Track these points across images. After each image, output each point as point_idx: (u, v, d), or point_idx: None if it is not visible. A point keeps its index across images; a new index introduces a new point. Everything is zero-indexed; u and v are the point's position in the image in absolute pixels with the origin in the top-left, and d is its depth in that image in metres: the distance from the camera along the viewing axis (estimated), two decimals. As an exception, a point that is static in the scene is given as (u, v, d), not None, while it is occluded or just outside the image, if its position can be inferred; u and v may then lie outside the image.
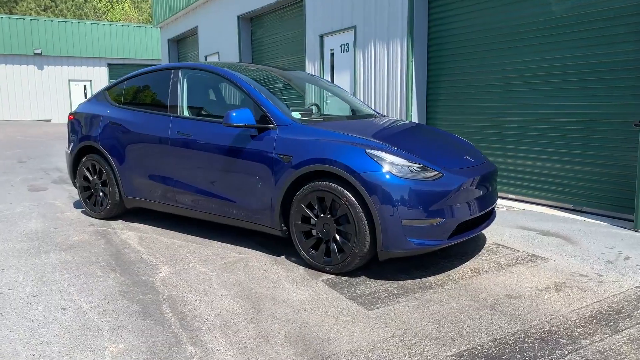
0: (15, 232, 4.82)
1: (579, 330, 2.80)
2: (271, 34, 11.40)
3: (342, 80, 8.63)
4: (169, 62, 17.93)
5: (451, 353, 2.55)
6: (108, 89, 5.45)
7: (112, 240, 4.55)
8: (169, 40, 17.87)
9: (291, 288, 3.42)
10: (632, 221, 4.86)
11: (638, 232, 4.65)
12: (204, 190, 4.37)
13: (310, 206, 3.73)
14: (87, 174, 5.32)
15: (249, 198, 4.08)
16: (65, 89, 28.65)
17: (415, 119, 7.25)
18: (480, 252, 4.15)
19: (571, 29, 5.39)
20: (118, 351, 2.59)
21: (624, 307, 3.09)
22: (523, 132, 5.99)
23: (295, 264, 3.90)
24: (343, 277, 3.61)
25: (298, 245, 3.83)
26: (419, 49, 7.15)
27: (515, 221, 5.12)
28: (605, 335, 2.73)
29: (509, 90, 6.12)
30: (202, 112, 4.61)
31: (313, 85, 6.37)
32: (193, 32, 15.72)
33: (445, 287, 3.44)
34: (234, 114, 3.95)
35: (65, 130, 20.35)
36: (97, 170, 5.21)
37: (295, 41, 10.39)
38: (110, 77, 29.28)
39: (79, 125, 5.42)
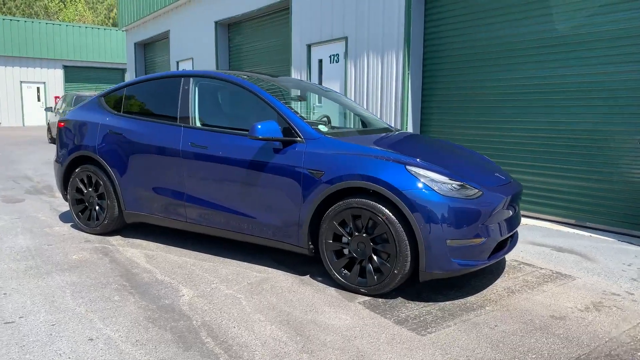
0: (4, 250, 4.41)
1: (639, 353, 2.77)
2: (252, 41, 11.18)
3: (331, 91, 8.51)
4: (135, 66, 17.32)
5: (526, 382, 2.46)
6: (104, 95, 5.11)
7: (117, 259, 4.22)
8: (135, 43, 17.26)
9: (331, 312, 3.25)
10: (639, 237, 4.97)
11: (646, 248, 4.75)
12: (219, 205, 4.13)
13: (342, 224, 3.57)
14: (81, 186, 4.96)
15: (272, 214, 3.88)
16: (16, 91, 27.17)
17: (410, 131, 7.22)
18: (505, 270, 4.11)
19: (576, 47, 5.50)
20: (171, 389, 2.34)
21: (670, 327, 3.10)
22: (520, 147, 6.05)
23: (324, 285, 3.72)
24: (380, 300, 3.46)
25: (329, 265, 3.66)
26: (414, 61, 7.14)
27: (525, 237, 5.13)
28: (667, 359, 2.71)
29: (507, 106, 6.18)
30: (217, 123, 4.36)
31: (322, 97, 6.17)
32: (163, 36, 15.25)
33: (487, 308, 3.36)
34: (260, 127, 3.75)
35: (23, 134, 19.29)
36: (94, 182, 4.85)
37: (279, 49, 10.22)
38: (66, 80, 28.04)
39: (72, 133, 5.05)
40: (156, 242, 4.74)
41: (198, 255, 4.36)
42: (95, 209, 4.89)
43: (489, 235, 3.44)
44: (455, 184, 3.42)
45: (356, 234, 3.52)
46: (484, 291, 3.65)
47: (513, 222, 3.78)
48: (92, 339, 2.81)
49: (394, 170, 3.41)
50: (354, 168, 3.51)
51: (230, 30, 11.99)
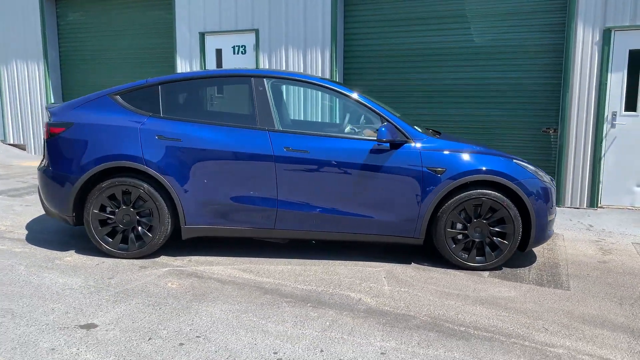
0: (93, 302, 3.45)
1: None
2: (99, 22, 9.75)
3: (237, 83, 8.37)
4: None
5: (671, 304, 3.62)
6: (120, 93, 4.28)
7: (228, 280, 3.81)
8: None
9: (492, 288, 3.85)
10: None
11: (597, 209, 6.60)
12: (327, 209, 4.14)
13: (461, 213, 4.15)
14: (110, 204, 4.11)
15: (389, 212, 4.15)
16: None
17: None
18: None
19: (486, 56, 7.04)
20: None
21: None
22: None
23: (438, 267, 4.22)
24: (500, 271, 4.20)
25: (449, 251, 4.18)
26: (339, 60, 7.73)
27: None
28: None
29: (431, 101, 7.42)
30: (301, 126, 4.27)
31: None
32: None
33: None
34: (384, 129, 4.00)
35: None
36: (132, 197, 4.09)
37: (147, 33, 9.28)
38: None
39: (87, 140, 4.10)
40: (217, 255, 4.34)
41: (296, 262, 4.25)
42: (136, 229, 4.14)
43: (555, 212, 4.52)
44: (540, 172, 4.37)
45: (474, 220, 4.15)
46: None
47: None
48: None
49: (508, 164, 4.17)
50: (474, 164, 4.11)
51: (58, 5, 10.13)
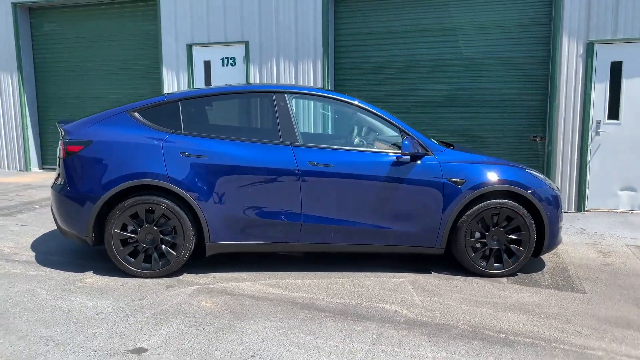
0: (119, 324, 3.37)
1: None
2: (76, 32, 9.49)
3: (226, 95, 8.33)
4: None
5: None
6: (138, 109, 4.22)
7: (259, 296, 3.80)
8: None
9: (514, 293, 4.00)
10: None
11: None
12: (349, 221, 4.21)
13: (479, 222, 4.30)
14: (132, 223, 4.03)
15: (409, 223, 4.25)
16: None
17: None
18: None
19: (475, 67, 7.30)
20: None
21: None
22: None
23: (458, 276, 4.35)
24: (516, 277, 4.37)
25: (469, 259, 4.31)
26: (331, 71, 7.83)
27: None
28: None
29: (423, 111, 7.61)
30: (321, 140, 4.33)
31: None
32: None
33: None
34: (407, 143, 4.12)
35: None
36: (155, 215, 4.03)
37: (130, 44, 9.11)
38: None
39: (107, 158, 4.02)
40: (240, 271, 4.32)
41: (320, 275, 4.28)
42: (159, 247, 4.08)
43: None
44: (548, 180, 4.57)
45: (492, 229, 4.31)
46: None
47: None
48: (441, 363, 2.89)
49: (522, 174, 4.35)
50: (492, 175, 4.27)
51: (32, 15, 9.81)
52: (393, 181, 4.19)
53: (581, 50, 6.63)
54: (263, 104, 4.32)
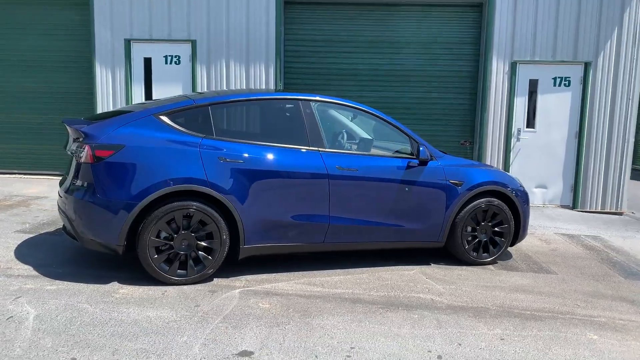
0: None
1: (606, 255, 5.68)
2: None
3: (170, 93, 8.06)
4: None
5: (627, 277, 4.92)
6: (166, 113, 4.12)
7: (355, 299, 3.99)
8: None
9: (507, 277, 4.72)
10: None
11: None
12: (371, 221, 4.59)
13: (473, 218, 4.97)
14: (168, 229, 3.95)
15: (418, 220, 4.76)
16: None
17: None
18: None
19: (414, 79, 8.09)
20: None
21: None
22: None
23: (455, 265, 4.98)
24: (502, 263, 5.12)
25: (465, 251, 4.95)
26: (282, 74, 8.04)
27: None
28: (615, 254, 5.72)
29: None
30: (344, 146, 4.65)
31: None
32: None
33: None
34: (423, 150, 4.65)
35: None
36: (193, 221, 4.00)
37: (50, 34, 8.30)
38: None
39: (142, 163, 3.88)
40: (266, 273, 4.44)
41: (341, 272, 4.56)
42: (195, 254, 4.04)
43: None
44: (518, 179, 5.41)
45: (482, 223, 5.00)
46: (506, 246, 5.82)
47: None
48: None
49: (503, 175, 5.14)
50: (484, 177, 4.97)
51: None
52: (408, 184, 4.66)
53: (507, 68, 7.75)
54: (289, 111, 4.48)
